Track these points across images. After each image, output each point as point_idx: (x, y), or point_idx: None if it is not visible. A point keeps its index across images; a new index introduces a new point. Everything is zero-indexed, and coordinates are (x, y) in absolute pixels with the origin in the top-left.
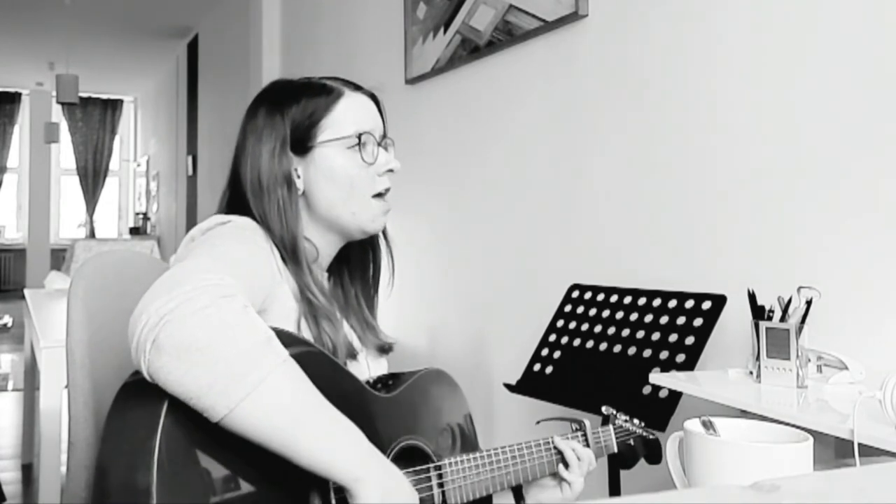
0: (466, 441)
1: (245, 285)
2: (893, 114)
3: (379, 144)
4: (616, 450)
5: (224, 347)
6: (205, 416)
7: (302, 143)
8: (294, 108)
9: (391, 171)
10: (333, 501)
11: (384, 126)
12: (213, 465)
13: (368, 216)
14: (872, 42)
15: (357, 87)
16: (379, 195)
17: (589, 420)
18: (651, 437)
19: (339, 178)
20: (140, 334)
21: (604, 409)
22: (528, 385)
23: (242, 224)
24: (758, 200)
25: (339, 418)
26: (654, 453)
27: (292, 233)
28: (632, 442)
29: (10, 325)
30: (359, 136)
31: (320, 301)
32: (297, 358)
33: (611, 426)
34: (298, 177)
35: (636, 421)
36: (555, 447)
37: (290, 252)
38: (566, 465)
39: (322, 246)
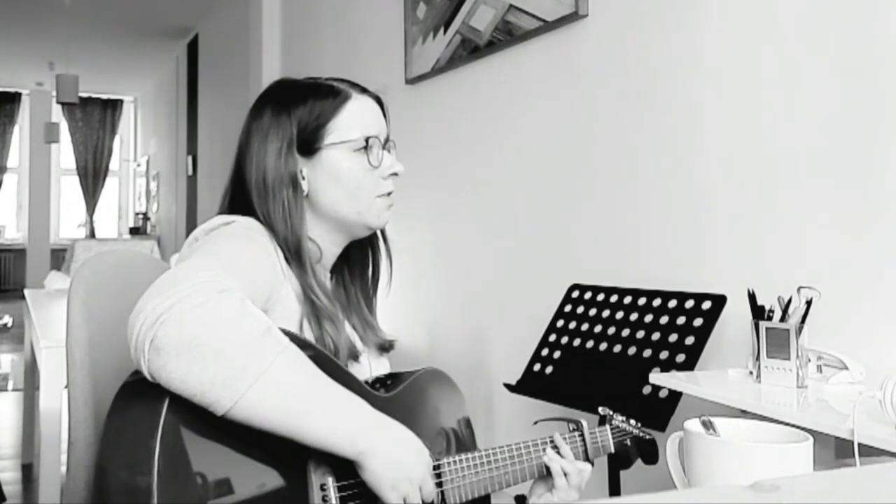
0: (464, 439)
1: (246, 285)
2: (894, 114)
3: (383, 147)
4: (613, 450)
5: (224, 341)
6: (209, 410)
7: (308, 144)
8: (301, 108)
9: (395, 174)
10: (332, 496)
11: (388, 129)
12: (213, 463)
13: (373, 213)
14: (873, 42)
15: (363, 90)
16: (381, 196)
17: (588, 420)
18: (647, 437)
19: (345, 181)
20: (138, 334)
21: (600, 409)
22: (528, 385)
23: (246, 224)
24: (758, 200)
25: (344, 395)
26: (650, 453)
27: (296, 233)
28: (628, 442)
29: (10, 325)
30: (366, 140)
31: (323, 302)
32: None
33: (607, 426)
34: (303, 178)
35: (632, 421)
36: (552, 444)
37: (294, 252)
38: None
39: (326, 246)
